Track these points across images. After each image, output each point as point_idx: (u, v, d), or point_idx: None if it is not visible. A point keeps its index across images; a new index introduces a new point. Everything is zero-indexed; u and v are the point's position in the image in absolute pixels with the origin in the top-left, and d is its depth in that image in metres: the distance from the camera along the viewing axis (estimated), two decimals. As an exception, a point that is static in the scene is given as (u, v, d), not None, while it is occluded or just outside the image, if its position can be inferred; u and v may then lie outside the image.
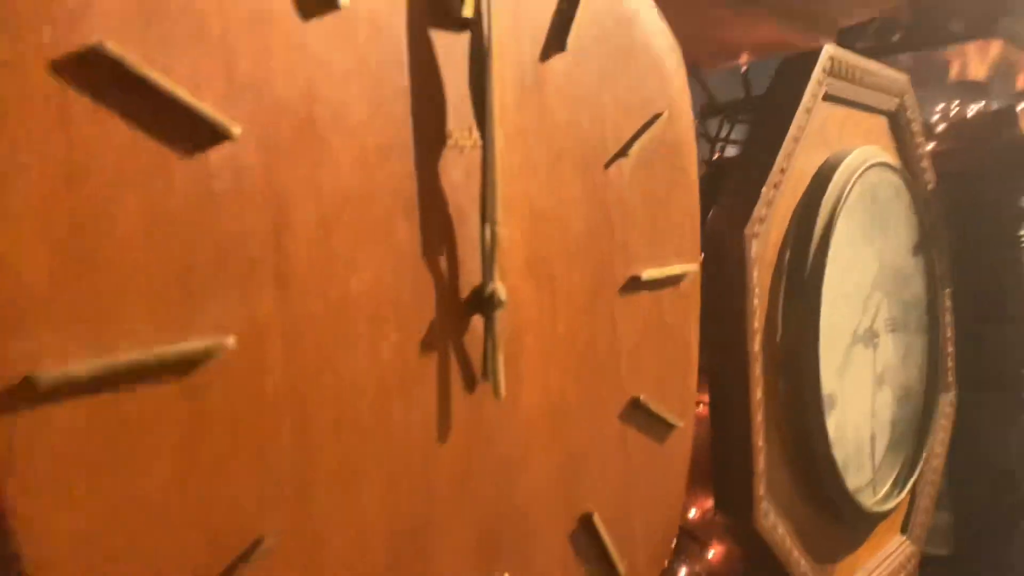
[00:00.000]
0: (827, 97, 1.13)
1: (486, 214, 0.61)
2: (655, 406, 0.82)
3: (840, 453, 1.11)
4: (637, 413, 0.81)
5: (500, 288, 0.61)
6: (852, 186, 1.10)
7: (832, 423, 1.12)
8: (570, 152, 0.72)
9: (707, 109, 1.30)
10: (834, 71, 1.12)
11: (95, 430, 0.41)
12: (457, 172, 0.61)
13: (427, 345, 0.59)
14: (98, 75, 0.41)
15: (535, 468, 0.69)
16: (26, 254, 0.39)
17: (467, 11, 0.60)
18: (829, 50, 1.10)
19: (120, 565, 0.42)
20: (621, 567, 0.77)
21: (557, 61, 0.70)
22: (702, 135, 1.33)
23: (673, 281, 0.85)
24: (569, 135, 0.71)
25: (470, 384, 0.63)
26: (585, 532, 0.75)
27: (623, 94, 0.77)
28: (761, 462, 0.99)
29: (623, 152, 0.77)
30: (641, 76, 0.79)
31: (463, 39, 0.61)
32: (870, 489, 1.25)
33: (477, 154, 0.62)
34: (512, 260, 0.66)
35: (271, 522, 0.49)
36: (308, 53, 0.51)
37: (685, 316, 0.87)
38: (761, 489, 0.99)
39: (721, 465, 1.00)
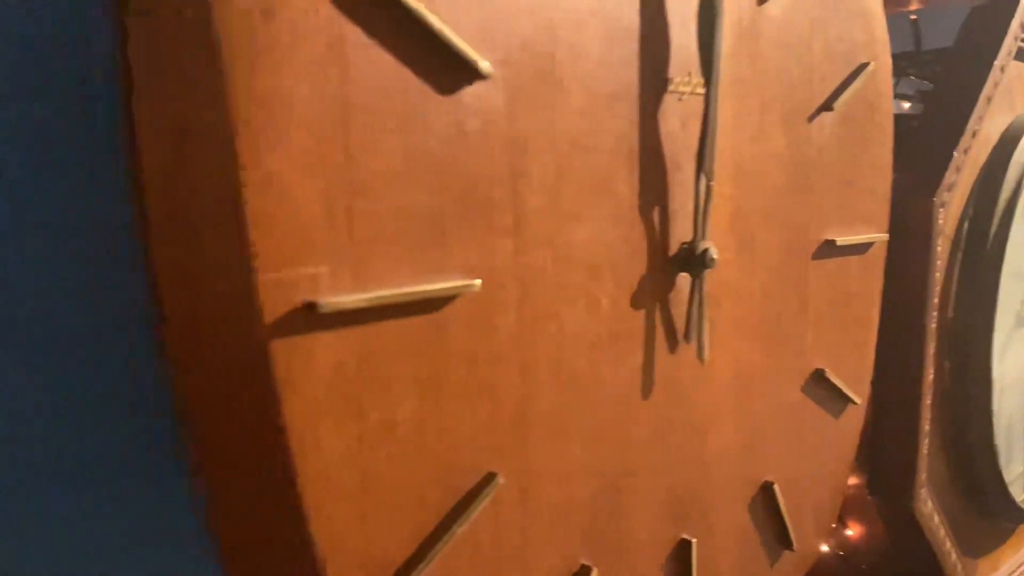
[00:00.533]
0: (1017, 54, 1.04)
1: (703, 166, 0.59)
2: (837, 380, 0.79)
3: (1000, 443, 1.05)
4: (819, 385, 0.78)
5: (712, 247, 0.59)
6: (1039, 156, 1.02)
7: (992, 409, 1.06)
8: (778, 103, 0.68)
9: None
10: (1035, 24, 1.04)
11: (358, 358, 0.42)
12: (674, 120, 0.59)
13: (636, 301, 0.58)
14: (373, 8, 0.41)
15: (723, 433, 0.68)
16: (306, 187, 0.39)
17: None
18: (1026, 1, 1.01)
19: (376, 484, 0.43)
20: (794, 536, 0.75)
21: (772, 4, 0.66)
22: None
23: (861, 249, 0.81)
24: (778, 85, 0.68)
25: (672, 344, 0.61)
26: (763, 500, 0.73)
27: (832, 41, 0.73)
28: (925, 447, 0.94)
29: (828, 105, 0.73)
30: (849, 22, 0.75)
31: (690, -18, 0.58)
32: (1021, 482, 1.18)
33: (694, 102, 0.59)
34: (716, 217, 0.64)
35: (498, 460, 0.50)
36: (551, -6, 0.50)
37: (869, 287, 0.83)
38: (923, 475, 0.95)
39: (881, 447, 0.96)
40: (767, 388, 0.72)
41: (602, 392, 0.57)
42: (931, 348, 0.93)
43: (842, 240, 0.76)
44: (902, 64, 1.24)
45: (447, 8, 0.44)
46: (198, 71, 0.37)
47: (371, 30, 0.41)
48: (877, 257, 0.84)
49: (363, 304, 0.41)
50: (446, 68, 0.45)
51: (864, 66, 0.76)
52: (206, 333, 0.40)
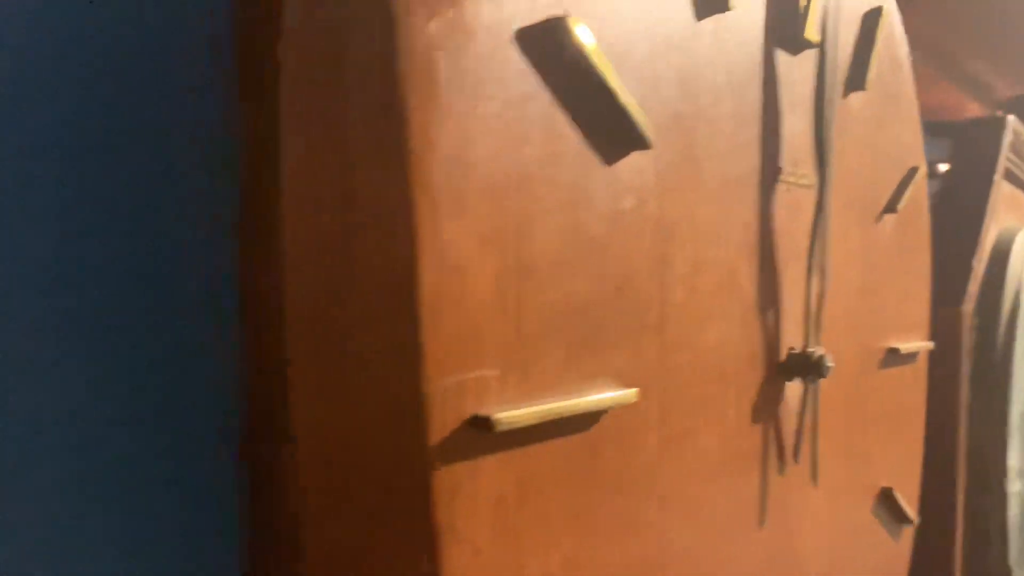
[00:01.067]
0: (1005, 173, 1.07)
1: (813, 263, 0.53)
2: (900, 498, 0.72)
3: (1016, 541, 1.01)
4: (886, 504, 0.71)
5: (827, 353, 0.53)
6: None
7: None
8: (856, 201, 0.64)
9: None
10: (1014, 146, 1.07)
11: (517, 489, 0.32)
12: (783, 211, 0.53)
13: (755, 413, 0.51)
14: (554, 77, 0.33)
15: (815, 563, 0.60)
16: (482, 263, 0.30)
17: (809, 32, 0.53)
18: (1012, 122, 1.04)
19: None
20: None
21: (854, 99, 0.63)
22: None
23: (912, 358, 0.77)
24: (856, 182, 0.64)
25: (781, 464, 0.54)
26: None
27: (891, 144, 0.71)
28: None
29: (892, 207, 0.69)
30: (903, 125, 0.73)
31: (800, 62, 0.54)
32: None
33: (799, 193, 0.54)
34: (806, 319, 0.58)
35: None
36: (697, 58, 0.44)
37: (917, 398, 0.79)
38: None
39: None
40: (845, 511, 0.65)
41: (721, 523, 0.48)
42: (963, 466, 0.89)
43: (905, 348, 0.72)
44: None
45: (615, 72, 0.37)
46: (368, 124, 0.28)
47: (555, 92, 0.34)
48: (922, 367, 0.80)
49: (531, 420, 0.32)
50: (613, 135, 0.37)
51: (915, 170, 0.73)
52: (347, 459, 0.30)
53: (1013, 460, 0.99)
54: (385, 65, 0.28)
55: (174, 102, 0.34)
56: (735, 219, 0.48)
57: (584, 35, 0.33)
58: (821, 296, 0.53)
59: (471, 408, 0.30)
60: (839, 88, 0.59)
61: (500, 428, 0.30)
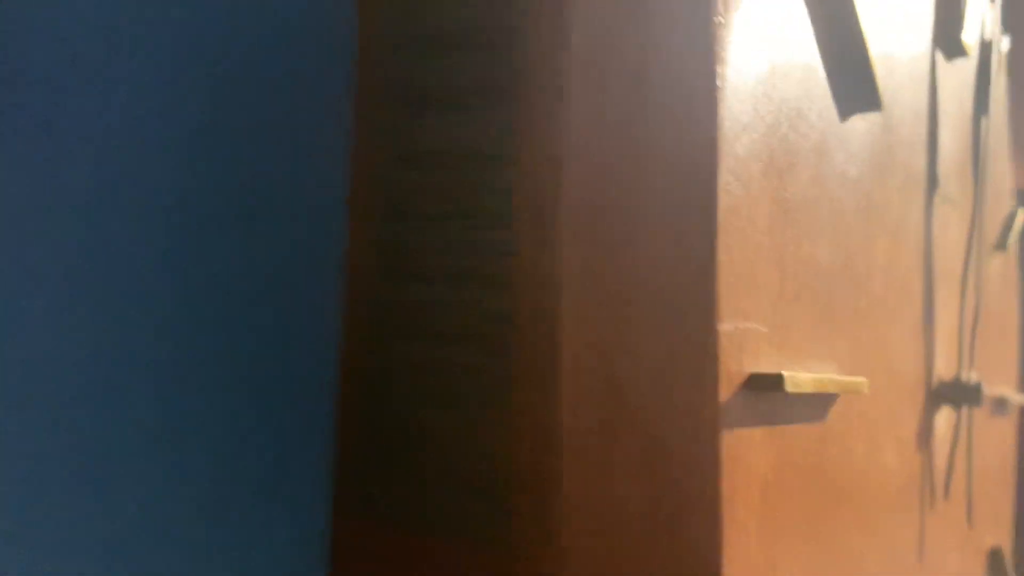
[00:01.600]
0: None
1: (968, 282, 0.49)
2: (1006, 558, 0.67)
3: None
4: (994, 562, 0.66)
5: (982, 379, 0.49)
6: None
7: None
8: (976, 231, 0.61)
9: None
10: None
11: (776, 473, 0.27)
12: (937, 225, 0.50)
13: (919, 442, 0.46)
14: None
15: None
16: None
17: (967, 47, 0.50)
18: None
19: None
20: None
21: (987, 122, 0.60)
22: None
23: (1010, 409, 0.73)
24: (986, 207, 0.61)
25: (931, 501, 0.49)
26: None
27: (999, 178, 0.68)
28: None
29: (1002, 243, 0.66)
30: (1002, 159, 0.71)
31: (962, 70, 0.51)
32: None
33: (946, 211, 0.51)
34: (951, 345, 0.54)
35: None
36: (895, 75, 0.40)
37: (1009, 451, 0.75)
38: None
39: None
40: (962, 555, 0.60)
41: (891, 539, 0.43)
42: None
43: (1016, 399, 0.68)
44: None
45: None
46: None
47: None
48: (1014, 420, 0.76)
49: (809, 388, 0.27)
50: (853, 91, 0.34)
51: (1017, 211, 0.71)
52: (626, 411, 0.24)
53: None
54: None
55: (296, 102, 0.31)
56: (914, 222, 0.44)
57: None
58: (976, 319, 0.49)
59: (748, 365, 0.25)
60: (996, 101, 0.56)
61: (789, 389, 0.25)
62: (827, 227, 0.32)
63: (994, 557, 0.66)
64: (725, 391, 0.24)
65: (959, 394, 0.48)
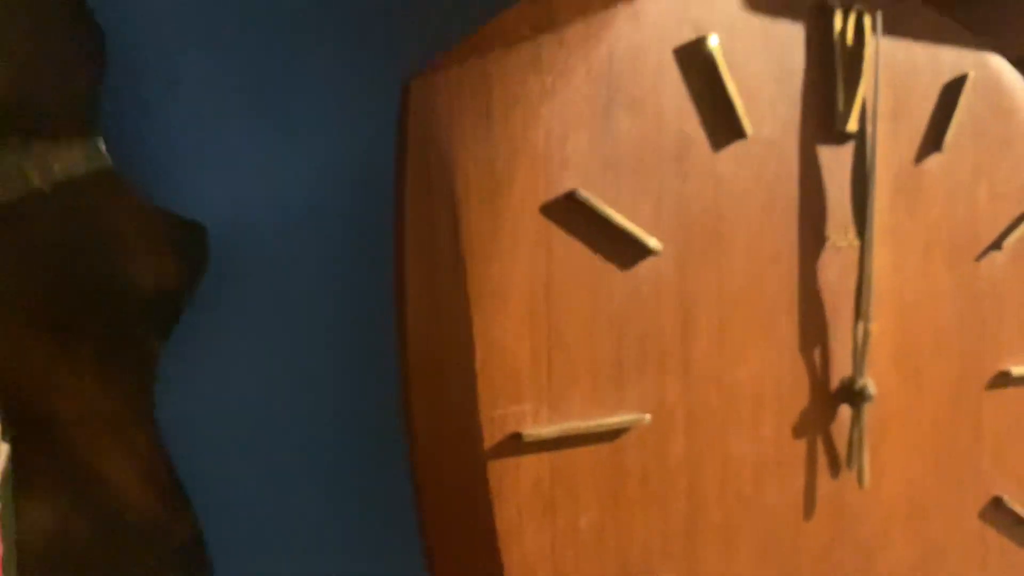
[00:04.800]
0: None
1: (860, 311, 0.66)
2: (1019, 507, 0.80)
3: None
4: (999, 512, 0.79)
5: (870, 383, 0.66)
6: None
7: None
8: (940, 246, 0.74)
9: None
10: None
11: (550, 476, 0.54)
12: (832, 271, 0.67)
13: (799, 430, 0.66)
14: (570, 211, 0.54)
15: (893, 555, 0.72)
16: (518, 344, 0.53)
17: (851, 126, 0.66)
18: None
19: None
20: (976, 665, 0.76)
21: (931, 161, 0.73)
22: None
23: (1039, 378, 0.82)
24: (939, 230, 0.74)
25: (835, 469, 0.68)
26: (939, 623, 0.76)
27: (999, 185, 0.78)
28: None
29: (996, 245, 0.77)
30: (1019, 165, 0.79)
31: (846, 150, 0.67)
32: None
33: (851, 254, 0.68)
34: (879, 352, 0.71)
35: (668, 565, 0.59)
36: (717, 176, 0.61)
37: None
38: None
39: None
40: (940, 512, 0.76)
41: (768, 511, 0.65)
42: None
43: (1018, 371, 0.79)
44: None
45: (627, 204, 0.57)
46: (450, 260, 0.52)
47: (569, 228, 0.55)
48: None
49: (556, 434, 0.54)
50: (625, 250, 0.57)
51: (1036, 207, 0.79)
52: (446, 453, 0.54)
53: None
54: (454, 227, 0.51)
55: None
56: (768, 284, 0.64)
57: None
58: (866, 336, 0.66)
59: (512, 429, 0.52)
60: (897, 160, 0.70)
61: (527, 439, 0.52)
62: (611, 336, 0.56)
63: (996, 504, 0.79)
64: (490, 444, 0.52)
65: (850, 394, 0.67)
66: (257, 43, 0.66)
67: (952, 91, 0.74)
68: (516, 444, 0.52)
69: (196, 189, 0.65)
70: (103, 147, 0.60)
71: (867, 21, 0.67)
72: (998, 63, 0.78)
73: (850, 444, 0.68)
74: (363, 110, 0.66)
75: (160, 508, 0.64)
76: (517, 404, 0.53)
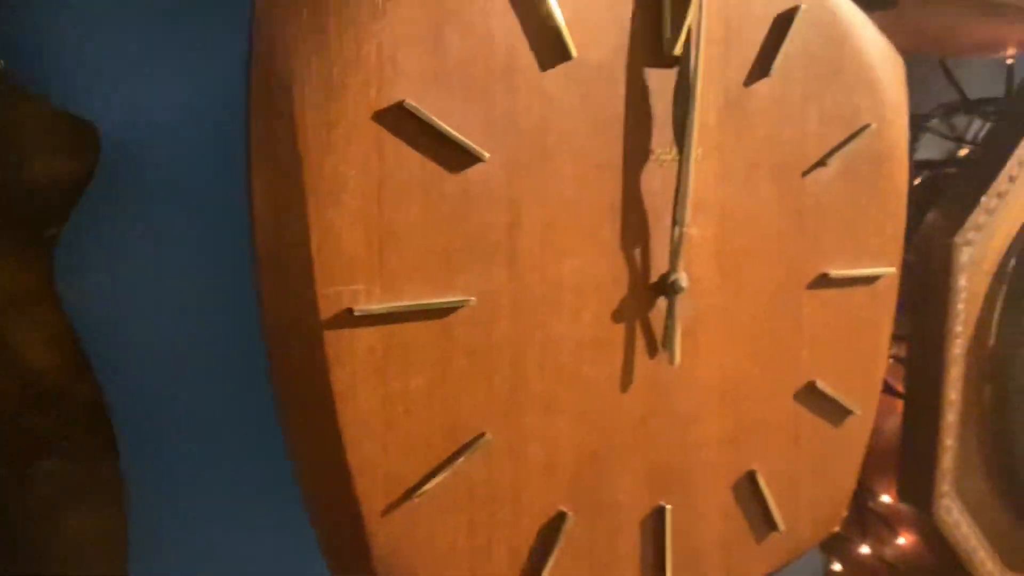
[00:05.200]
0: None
1: (676, 217, 0.76)
2: (832, 391, 0.92)
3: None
4: (813, 395, 0.92)
5: (682, 276, 0.77)
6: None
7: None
8: (767, 162, 0.84)
9: (951, 106, 1.30)
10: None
11: (383, 346, 0.64)
12: (656, 182, 0.77)
13: (618, 316, 0.77)
14: (401, 120, 0.63)
15: (706, 424, 0.85)
16: (351, 233, 0.62)
17: (677, 50, 0.75)
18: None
19: (395, 428, 0.65)
20: (781, 522, 0.90)
21: (761, 84, 0.82)
22: (947, 134, 1.33)
23: (867, 280, 0.94)
24: (767, 148, 0.84)
25: (652, 351, 0.79)
26: (748, 484, 0.89)
27: (828, 108, 0.87)
28: (947, 460, 1.04)
29: (822, 162, 0.87)
30: (849, 91, 0.88)
31: (672, 74, 0.76)
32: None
33: (674, 167, 0.77)
34: (701, 254, 0.81)
35: (490, 425, 0.71)
36: (544, 94, 0.70)
37: (877, 314, 0.96)
38: (944, 486, 1.05)
39: (907, 457, 1.07)
40: (756, 393, 0.88)
41: (586, 382, 0.76)
42: (954, 371, 1.03)
43: (837, 273, 0.90)
44: (988, 109, 1.31)
45: (456, 116, 0.66)
46: (288, 161, 0.61)
47: (399, 134, 0.64)
48: (888, 287, 0.96)
49: (386, 310, 0.64)
50: (454, 156, 0.66)
51: (865, 127, 0.89)
52: (291, 327, 0.64)
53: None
54: (292, 127, 0.60)
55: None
56: (594, 191, 0.74)
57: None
58: (680, 237, 0.76)
59: (346, 305, 0.63)
60: (725, 83, 0.79)
61: (358, 313, 0.62)
62: (442, 231, 0.66)
63: (811, 387, 0.91)
64: (326, 316, 0.62)
65: (664, 287, 0.78)
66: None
67: (783, 21, 0.82)
68: (349, 317, 0.63)
69: (91, 94, 0.73)
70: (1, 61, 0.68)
71: (698, -45, 0.74)
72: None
73: (665, 329, 0.79)
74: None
75: (63, 370, 0.74)
76: (351, 284, 0.63)
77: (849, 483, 0.99)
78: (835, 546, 1.31)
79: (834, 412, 0.94)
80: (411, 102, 0.63)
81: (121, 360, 0.78)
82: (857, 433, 0.97)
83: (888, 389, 1.25)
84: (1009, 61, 1.35)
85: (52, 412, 0.74)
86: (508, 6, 0.67)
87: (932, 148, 1.36)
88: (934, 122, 1.29)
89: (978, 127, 1.35)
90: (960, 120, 1.35)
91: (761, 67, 0.82)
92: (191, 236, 0.77)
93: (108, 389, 0.77)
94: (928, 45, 1.18)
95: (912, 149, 1.32)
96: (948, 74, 1.28)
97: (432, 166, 0.65)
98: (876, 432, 1.42)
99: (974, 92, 1.38)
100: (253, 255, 0.65)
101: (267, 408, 0.77)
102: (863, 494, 1.32)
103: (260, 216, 0.63)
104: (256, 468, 0.82)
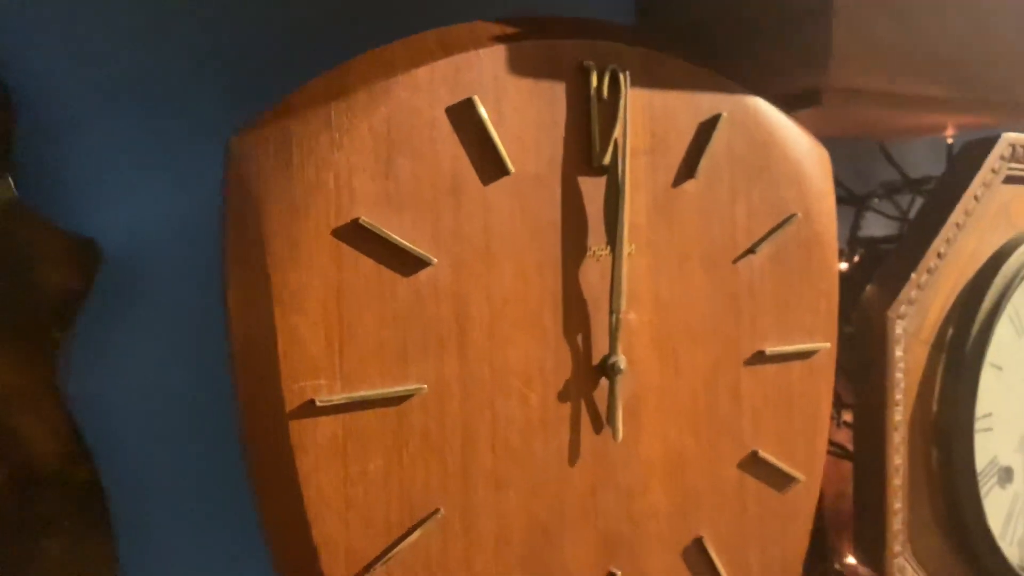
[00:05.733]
0: (1013, 179, 1.19)
1: (612, 305, 0.85)
2: (774, 459, 0.99)
3: (997, 525, 1.17)
4: (756, 464, 0.99)
5: (620, 359, 0.85)
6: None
7: (1009, 495, 1.19)
8: (697, 254, 0.93)
9: (892, 186, 1.39)
10: (1017, 156, 1.18)
11: (343, 432, 0.73)
12: (595, 275, 0.86)
13: (564, 396, 0.85)
14: (357, 233, 0.73)
15: (652, 495, 0.92)
16: (314, 336, 0.71)
17: (605, 160, 0.85)
18: (1008, 138, 1.16)
19: (355, 507, 0.73)
20: (730, 583, 0.96)
21: (688, 185, 0.92)
22: (890, 213, 1.42)
23: (803, 355, 1.02)
24: (697, 241, 0.93)
25: (597, 428, 0.87)
26: (697, 551, 0.95)
27: (756, 202, 0.97)
28: (897, 522, 1.10)
29: (751, 250, 0.96)
30: (775, 185, 0.98)
31: (602, 181, 0.86)
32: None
33: (610, 261, 0.86)
34: (640, 338, 0.90)
35: (444, 501, 0.78)
36: (487, 205, 0.80)
37: (815, 386, 1.03)
38: (896, 546, 1.10)
39: (860, 519, 1.13)
40: (699, 464, 0.95)
41: (535, 459, 0.84)
42: (896, 437, 1.10)
43: (772, 350, 0.98)
44: (928, 187, 1.40)
45: (408, 229, 0.76)
46: (258, 274, 0.71)
47: (356, 246, 0.73)
48: (825, 361, 1.04)
49: (346, 400, 0.72)
50: (406, 262, 0.76)
51: (792, 216, 0.98)
52: (261, 416, 0.73)
53: (1003, 440, 1.15)
54: (261, 240, 0.70)
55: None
56: (534, 286, 0.83)
57: (368, 225, 0.73)
58: (617, 323, 0.85)
59: (309, 397, 0.71)
60: (653, 186, 0.89)
61: (320, 404, 0.71)
62: (395, 331, 0.75)
63: (754, 456, 0.99)
64: (292, 407, 0.70)
65: (604, 369, 0.86)
66: (145, 95, 0.84)
67: (707, 128, 0.93)
68: (312, 408, 0.71)
69: (92, 216, 0.84)
70: (12, 183, 0.78)
71: (622, 78, 0.85)
72: (755, 103, 0.96)
73: (608, 407, 0.87)
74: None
75: (62, 456, 0.83)
76: (314, 380, 0.71)
77: (800, 547, 1.05)
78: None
79: (778, 479, 1.01)
80: (366, 219, 0.73)
81: (117, 445, 0.86)
82: (804, 498, 1.04)
83: (845, 453, 1.32)
84: (949, 141, 1.45)
85: (54, 494, 0.82)
86: (451, 131, 0.77)
87: (880, 225, 1.45)
88: (875, 201, 1.38)
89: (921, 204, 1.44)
90: (906, 197, 1.45)
91: (687, 170, 0.92)
92: (177, 337, 0.86)
93: (105, 472, 0.85)
94: (859, 132, 1.28)
95: (856, 227, 1.42)
96: (887, 155, 1.38)
97: (386, 272, 0.75)
98: (842, 495, 1.48)
99: (919, 170, 1.48)
100: (229, 353, 0.74)
101: (245, 487, 0.85)
102: (831, 555, 1.38)
103: (235, 320, 0.72)
104: (234, 540, 0.90)
